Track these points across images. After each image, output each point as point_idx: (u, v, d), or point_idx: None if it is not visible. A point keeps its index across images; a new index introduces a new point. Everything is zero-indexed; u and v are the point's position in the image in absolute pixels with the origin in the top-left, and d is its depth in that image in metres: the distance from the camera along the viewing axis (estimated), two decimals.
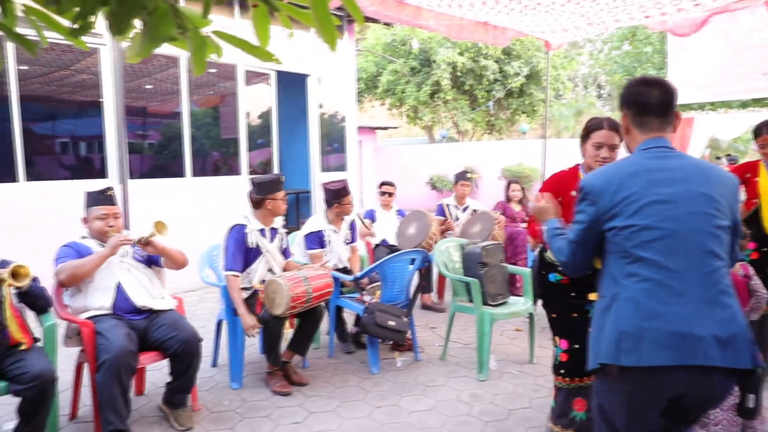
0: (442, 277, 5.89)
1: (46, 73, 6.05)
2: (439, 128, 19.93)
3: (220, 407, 3.39)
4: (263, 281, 3.71)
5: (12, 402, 2.65)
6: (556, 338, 2.76)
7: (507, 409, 3.35)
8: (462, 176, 5.95)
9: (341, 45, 9.06)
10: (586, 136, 2.64)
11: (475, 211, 5.92)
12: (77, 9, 1.13)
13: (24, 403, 2.55)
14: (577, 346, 2.64)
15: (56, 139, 6.42)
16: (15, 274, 2.61)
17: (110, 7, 1.01)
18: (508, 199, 6.10)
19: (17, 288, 2.67)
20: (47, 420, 2.68)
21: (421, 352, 4.27)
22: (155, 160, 7.17)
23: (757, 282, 2.97)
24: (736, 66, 6.90)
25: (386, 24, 10.45)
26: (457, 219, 5.91)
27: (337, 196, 4.37)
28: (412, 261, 4.10)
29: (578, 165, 2.73)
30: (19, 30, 1.22)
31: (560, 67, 18.02)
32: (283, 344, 3.73)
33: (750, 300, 2.97)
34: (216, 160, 7.75)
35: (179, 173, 6.93)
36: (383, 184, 5.88)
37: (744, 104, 12.97)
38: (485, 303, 3.90)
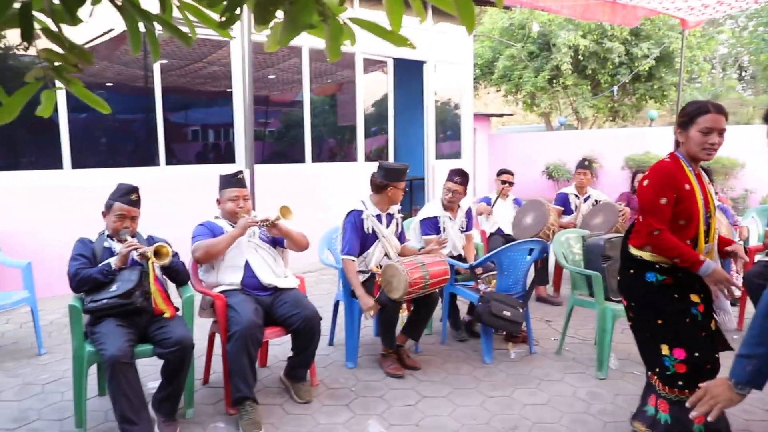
0: (558, 270, 5.69)
1: (182, 66, 6.56)
2: (557, 115, 19.14)
3: (337, 384, 3.53)
4: (380, 265, 3.80)
5: (158, 364, 2.93)
6: (665, 347, 2.46)
7: (629, 410, 3.17)
8: (580, 164, 5.69)
9: (458, 30, 8.96)
10: (688, 122, 2.42)
11: (596, 201, 5.64)
12: (225, 2, 1.21)
13: (167, 365, 2.82)
14: (697, 354, 2.39)
15: (190, 127, 6.97)
16: (157, 253, 2.87)
17: None
18: (634, 191, 5.75)
19: (160, 264, 2.95)
20: (185, 382, 2.93)
21: (535, 345, 4.17)
22: (277, 146, 7.55)
23: None
24: None
25: (505, 7, 10.17)
26: (577, 209, 5.67)
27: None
28: (530, 251, 4.00)
29: (676, 154, 2.49)
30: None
31: (696, 47, 16.57)
32: (398, 328, 3.80)
33: None
34: (334, 146, 8.02)
35: (300, 159, 7.25)
36: (503, 172, 5.76)
37: None
38: (607, 298, 3.71)
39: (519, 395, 3.39)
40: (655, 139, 13.00)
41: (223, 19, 1.18)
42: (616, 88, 16.53)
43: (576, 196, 5.73)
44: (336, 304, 4.23)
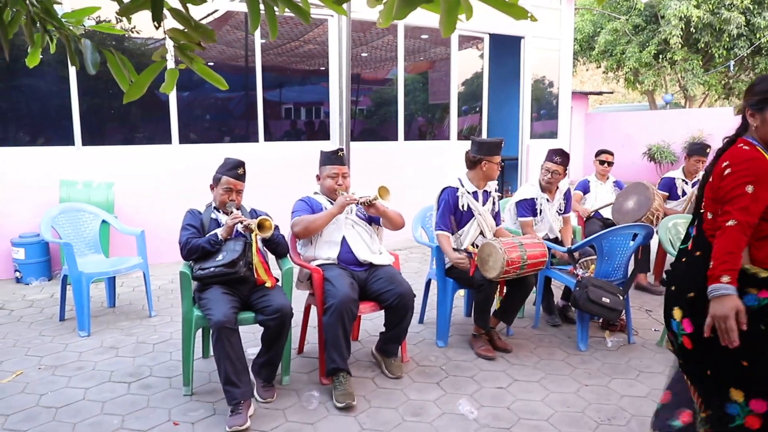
0: (660, 257, 5.38)
1: (280, 44, 6.73)
2: (661, 93, 17.93)
3: (427, 362, 3.55)
4: (474, 244, 3.76)
5: (257, 331, 3.08)
6: (738, 393, 1.87)
7: None
8: (699, 151, 5.30)
9: (558, 3, 8.57)
10: (764, 102, 1.91)
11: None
12: None
13: (267, 332, 2.95)
14: None
15: (286, 105, 7.17)
16: (261, 226, 3.00)
17: None
18: None
19: (262, 237, 3.07)
20: (283, 350, 3.06)
21: (634, 334, 3.98)
22: (369, 124, 7.62)
23: None
24: None
25: None
26: (684, 194, 5.32)
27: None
28: (634, 236, 3.80)
29: (747, 140, 1.95)
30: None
31: None
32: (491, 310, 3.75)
33: None
34: (424, 125, 7.98)
35: (392, 137, 7.28)
36: (602, 152, 5.51)
37: None
38: None
39: (616, 386, 3.25)
40: None
41: None
42: (732, 62, 15.21)
43: (684, 181, 5.37)
44: (428, 283, 4.24)
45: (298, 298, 3.84)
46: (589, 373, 3.41)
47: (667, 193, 5.37)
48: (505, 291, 3.84)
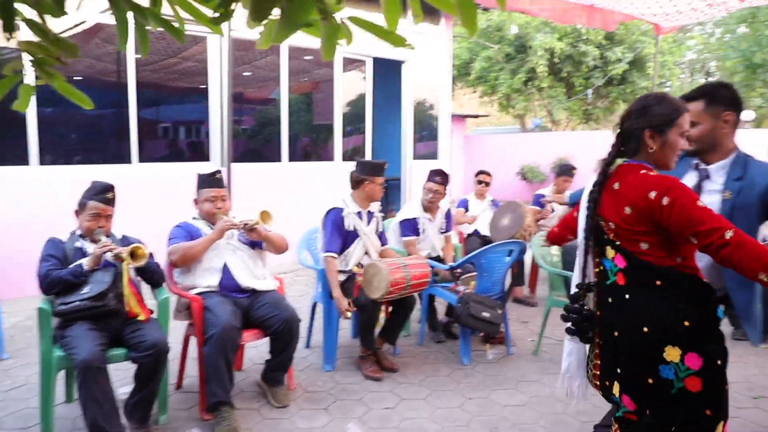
0: (534, 271, 5.73)
1: (155, 61, 6.41)
2: (531, 117, 19.33)
3: (315, 387, 3.48)
4: (360, 264, 3.77)
5: (129, 368, 2.84)
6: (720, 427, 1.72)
7: (607, 410, 3.20)
8: (566, 171, 5.73)
9: (437, 30, 8.97)
10: (667, 124, 1.83)
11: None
12: None
13: (140, 369, 2.73)
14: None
15: (163, 124, 6.82)
16: (133, 254, 2.79)
17: None
18: None
19: (135, 266, 2.86)
20: (159, 387, 2.85)
21: (513, 346, 4.18)
22: (251, 145, 7.44)
23: None
24: None
25: (484, 9, 10.22)
26: (553, 211, 5.71)
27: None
28: (510, 252, 4.01)
29: (645, 164, 1.83)
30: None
31: (667, 52, 16.93)
32: (376, 330, 3.76)
33: None
34: (310, 146, 7.94)
35: (276, 158, 7.16)
36: (480, 172, 5.79)
37: None
38: None
39: (498, 396, 3.39)
40: None
41: (216, 15, 1.13)
42: (590, 91, 16.76)
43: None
44: (313, 306, 4.18)
45: (176, 329, 3.61)
46: (472, 386, 3.52)
47: (538, 209, 5.74)
48: (389, 311, 3.88)
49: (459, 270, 4.11)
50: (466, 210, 5.75)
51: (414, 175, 8.71)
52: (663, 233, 1.73)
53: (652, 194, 1.70)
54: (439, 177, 4.31)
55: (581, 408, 3.24)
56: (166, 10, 1.29)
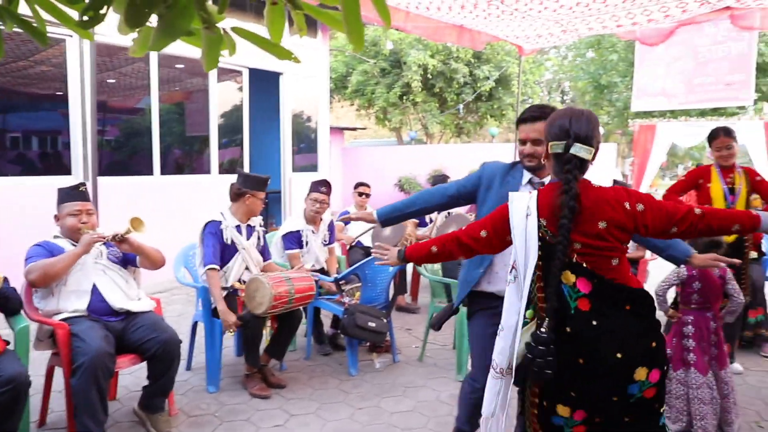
0: (415, 279, 5.91)
1: (3, 63, 5.80)
2: (407, 130, 19.98)
3: (198, 411, 3.32)
4: (240, 280, 3.67)
5: None
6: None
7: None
8: (441, 181, 5.98)
9: (315, 43, 9.01)
10: None
11: (449, 213, 5.95)
12: (87, 0, 1.09)
13: None
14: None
15: (12, 134, 6.19)
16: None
17: None
18: None
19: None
20: (19, 426, 2.57)
21: (399, 353, 4.27)
22: (117, 157, 6.97)
23: (734, 286, 3.07)
24: (699, 76, 7.14)
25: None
26: (432, 221, 5.94)
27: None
28: None
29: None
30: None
31: (529, 72, 18.32)
32: (261, 346, 3.68)
33: (727, 303, 3.07)
34: (184, 158, 7.60)
35: (146, 171, 6.77)
36: (360, 185, 5.87)
37: (703, 113, 13.41)
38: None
39: (386, 404, 3.44)
40: (496, 154, 14.07)
41: (85, 18, 1.06)
42: (461, 106, 17.68)
43: None
44: (194, 325, 3.99)
45: (38, 361, 3.28)
46: (361, 396, 3.55)
47: (417, 220, 5.94)
48: (275, 326, 3.80)
49: (343, 281, 4.14)
50: (347, 222, 5.80)
51: (294, 187, 8.65)
52: (625, 246, 1.83)
53: (627, 204, 1.79)
54: (324, 187, 4.33)
55: None
56: (23, 9, 1.18)
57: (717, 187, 3.91)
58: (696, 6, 5.04)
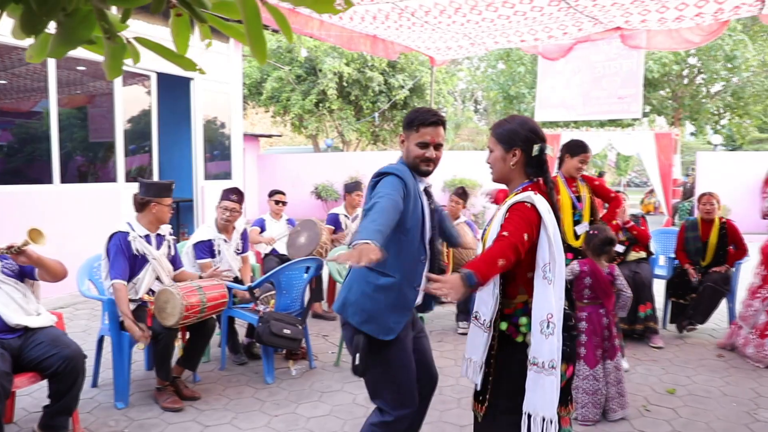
0: (331, 286, 5.94)
1: None
2: (324, 137, 20.00)
3: (106, 428, 3.18)
4: (151, 292, 3.56)
5: None
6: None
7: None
8: (356, 187, 6.05)
9: (226, 49, 8.86)
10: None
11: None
12: None
13: None
14: None
15: None
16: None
17: (26, 5, 0.96)
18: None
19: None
20: None
21: (315, 359, 4.29)
22: (14, 164, 6.53)
23: (622, 282, 3.35)
24: (595, 90, 7.68)
25: (273, 30, 10.37)
26: (346, 227, 6.00)
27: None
28: (307, 269, 4.12)
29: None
30: None
31: (442, 81, 18.86)
32: (174, 358, 3.58)
33: (617, 299, 3.34)
34: (87, 165, 7.23)
35: (45, 179, 6.38)
36: (275, 192, 5.83)
37: (602, 124, 14.38)
38: None
39: (302, 410, 3.45)
40: None
41: None
42: (377, 114, 17.92)
43: (346, 216, 6.06)
44: (100, 340, 3.82)
45: None
46: (277, 404, 3.54)
47: (333, 227, 5.98)
48: (186, 337, 3.72)
49: (258, 290, 4.11)
50: (262, 230, 5.75)
51: (206, 195, 8.44)
52: None
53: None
54: (235, 195, 4.27)
55: None
56: None
57: (565, 197, 4.11)
58: (590, 25, 5.44)
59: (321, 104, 17.45)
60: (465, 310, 5.23)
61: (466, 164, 13.31)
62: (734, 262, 4.90)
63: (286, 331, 3.74)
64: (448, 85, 20.01)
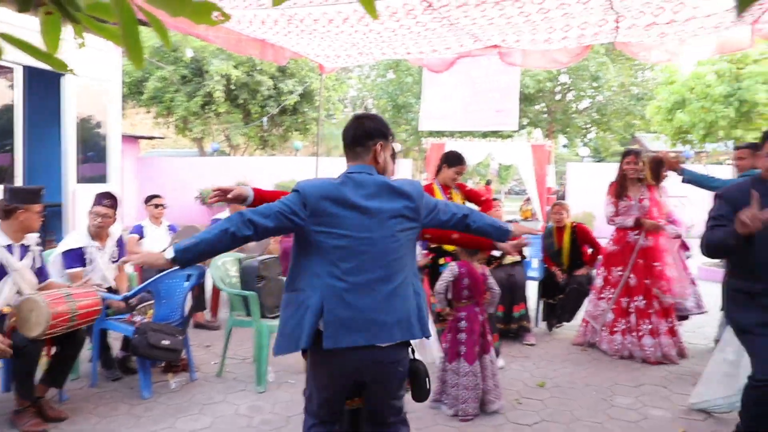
0: (215, 294, 5.77)
1: None
2: (210, 141, 19.33)
3: None
4: (11, 304, 3.26)
5: None
6: None
7: (286, 416, 3.45)
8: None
9: (105, 44, 8.33)
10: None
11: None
12: None
13: None
14: None
15: None
16: None
17: None
18: None
19: None
20: None
21: (196, 371, 4.14)
22: None
23: (492, 281, 3.59)
24: (476, 103, 8.11)
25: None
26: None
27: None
28: (188, 277, 3.98)
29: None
30: None
31: (332, 88, 18.95)
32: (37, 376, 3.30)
33: (487, 295, 3.58)
34: None
35: None
36: (153, 197, 5.56)
37: (485, 134, 15.16)
38: (263, 316, 3.96)
39: (182, 424, 3.33)
40: (300, 168, 14.33)
41: None
42: (265, 119, 17.63)
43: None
44: None
45: None
46: (154, 419, 3.38)
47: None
48: (50, 352, 3.44)
49: (134, 300, 3.90)
50: (141, 237, 5.46)
51: (78, 200, 7.85)
52: None
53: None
54: (108, 200, 4.03)
55: (264, 418, 3.43)
56: None
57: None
58: (471, 42, 5.75)
59: (207, 107, 16.87)
60: None
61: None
62: (593, 262, 5.38)
63: (166, 342, 3.59)
64: (338, 92, 20.15)
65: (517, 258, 5.36)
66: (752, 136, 11.27)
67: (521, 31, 5.24)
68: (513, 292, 4.96)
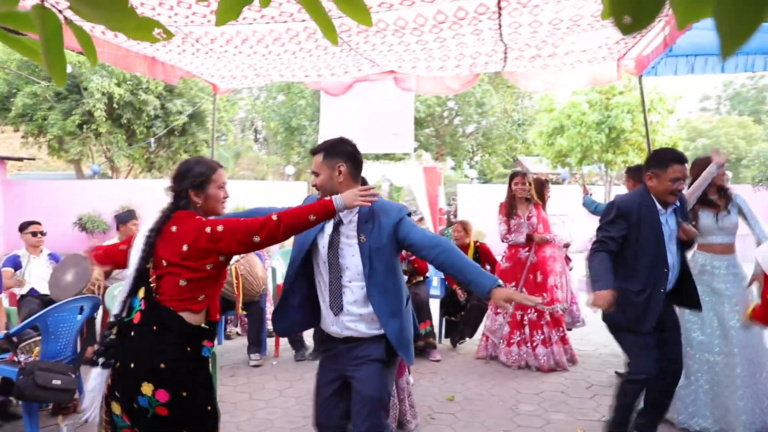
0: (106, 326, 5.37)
1: None
2: (89, 162, 18.04)
3: None
4: None
5: None
6: None
7: None
8: (131, 216, 5.62)
9: None
10: None
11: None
12: None
13: None
14: None
15: None
16: None
17: None
18: None
19: None
20: None
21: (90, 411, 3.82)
22: None
23: None
24: (373, 126, 8.29)
25: (20, 34, 9.14)
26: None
27: None
28: (81, 309, 3.68)
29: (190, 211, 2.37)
30: None
31: (223, 109, 18.49)
32: None
33: None
34: None
35: None
36: (30, 224, 5.10)
37: (377, 156, 15.48)
38: None
39: None
40: None
41: None
42: (152, 140, 16.77)
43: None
44: None
45: None
46: None
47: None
48: None
49: (17, 337, 3.54)
50: (17, 268, 4.98)
51: None
52: (205, 271, 2.09)
53: (208, 229, 2.08)
54: None
55: None
56: None
57: None
58: (368, 67, 5.89)
59: (86, 126, 15.75)
60: (257, 342, 5.15)
61: (247, 193, 13.19)
62: None
63: (56, 382, 3.28)
64: (229, 113, 19.72)
65: (420, 278, 5.51)
66: (621, 160, 12.52)
67: (417, 58, 5.46)
68: (419, 311, 5.08)
